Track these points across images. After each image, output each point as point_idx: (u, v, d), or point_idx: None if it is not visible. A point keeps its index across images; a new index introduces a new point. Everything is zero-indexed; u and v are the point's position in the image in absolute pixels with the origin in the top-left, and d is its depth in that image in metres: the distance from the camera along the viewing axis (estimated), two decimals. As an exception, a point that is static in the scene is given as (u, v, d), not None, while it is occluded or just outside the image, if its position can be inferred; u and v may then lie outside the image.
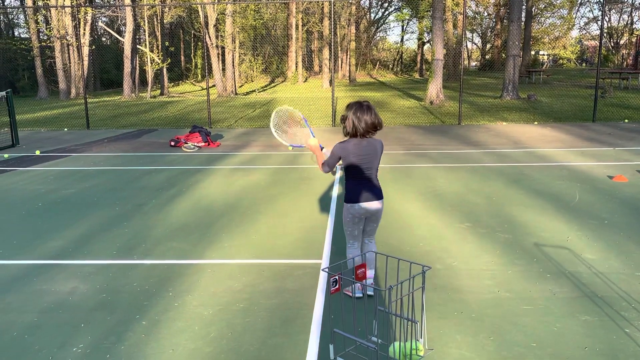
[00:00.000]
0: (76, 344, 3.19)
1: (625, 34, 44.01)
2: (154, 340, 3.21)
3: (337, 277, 1.88)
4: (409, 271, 1.80)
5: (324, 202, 6.19)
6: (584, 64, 47.15)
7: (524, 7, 23.75)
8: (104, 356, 3.05)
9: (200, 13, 25.40)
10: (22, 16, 35.21)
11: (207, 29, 23.68)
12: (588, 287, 3.82)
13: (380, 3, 48.35)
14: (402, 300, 1.66)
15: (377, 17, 52.24)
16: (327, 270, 1.82)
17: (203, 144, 10.66)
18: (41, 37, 27.44)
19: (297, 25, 35.36)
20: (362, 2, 41.94)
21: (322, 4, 30.66)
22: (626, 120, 13.28)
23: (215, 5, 24.52)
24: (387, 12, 51.55)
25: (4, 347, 3.16)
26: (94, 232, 5.33)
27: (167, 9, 28.12)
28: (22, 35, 35.04)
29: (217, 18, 25.48)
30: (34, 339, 3.25)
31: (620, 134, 11.11)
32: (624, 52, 42.78)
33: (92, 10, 27.49)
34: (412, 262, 1.85)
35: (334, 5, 14.08)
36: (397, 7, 47.55)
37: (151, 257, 4.59)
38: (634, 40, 40.37)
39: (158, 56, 26.59)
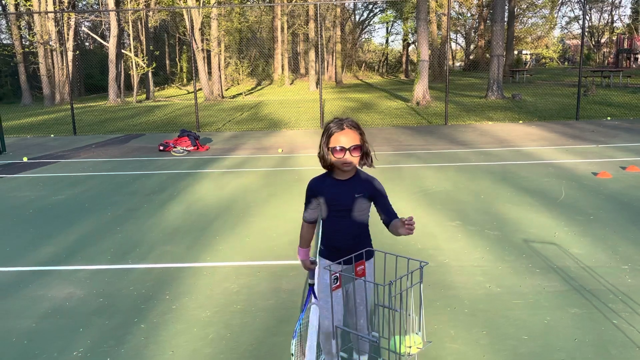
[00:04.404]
0: (76, 348, 3.21)
1: (605, 33, 44.73)
2: (153, 343, 3.25)
3: (337, 275, 1.95)
4: (407, 267, 1.87)
5: (315, 204, 6.24)
6: (566, 63, 47.79)
7: (506, 7, 24.05)
8: (104, 359, 3.08)
9: (186, 17, 25.35)
10: (3, 22, 34.84)
11: (193, 33, 23.66)
12: (576, 281, 3.93)
13: (365, 5, 48.65)
14: (401, 295, 1.73)
15: (362, 19, 52.51)
16: (329, 268, 1.88)
17: (192, 148, 10.67)
18: (24, 42, 27.18)
19: (282, 28, 35.40)
20: (346, 4, 42.14)
21: (307, 6, 30.75)
22: (609, 118, 13.53)
23: (200, 9, 24.49)
24: (371, 14, 51.87)
25: (3, 353, 3.18)
26: (87, 237, 5.34)
27: (151, 12, 28.02)
28: (4, 42, 34.65)
29: (202, 21, 25.44)
30: (34, 344, 3.27)
31: (603, 132, 11.33)
32: (605, 50, 43.46)
33: (75, 15, 27.29)
34: (409, 258, 1.92)
35: (319, 8, 14.18)
36: (381, 8, 47.87)
37: (146, 262, 4.62)
38: (614, 38, 41.02)
39: (143, 60, 26.49)
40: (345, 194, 2.46)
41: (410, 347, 1.81)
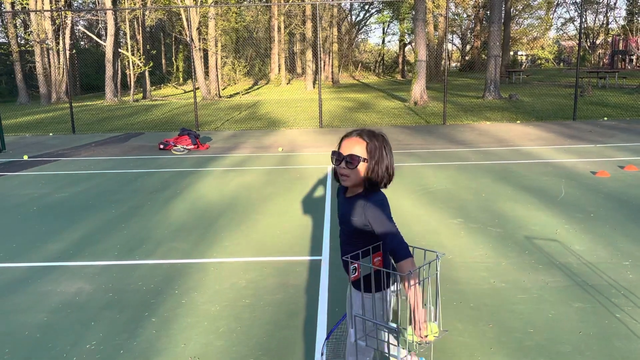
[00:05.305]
0: (89, 341, 3.25)
1: (601, 34, 44.98)
2: (165, 336, 3.29)
3: (356, 265, 2.00)
4: (424, 258, 1.93)
5: (318, 201, 6.30)
6: (561, 64, 48.05)
7: (503, 8, 24.19)
8: (117, 352, 3.13)
9: (183, 16, 25.34)
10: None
11: (191, 32, 23.66)
12: (579, 277, 4.00)
13: (361, 5, 48.75)
14: (418, 285, 1.78)
15: (358, 19, 52.61)
16: (348, 258, 1.94)
17: (192, 146, 10.70)
18: (20, 41, 27.10)
19: (279, 28, 35.45)
20: (342, 4, 42.20)
21: (304, 6, 30.80)
22: (605, 118, 13.65)
23: (198, 8, 24.49)
24: (368, 14, 51.97)
25: (17, 346, 3.22)
26: (92, 234, 5.37)
27: (148, 12, 27.99)
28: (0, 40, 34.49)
29: (199, 21, 25.44)
30: (47, 338, 3.31)
31: (601, 132, 11.43)
32: (600, 51, 43.72)
33: (72, 14, 27.23)
34: (426, 250, 1.98)
35: (318, 8, 14.24)
36: (378, 9, 47.98)
37: (153, 258, 4.66)
38: (609, 40, 41.29)
39: (140, 59, 26.45)
40: (347, 216, 2.13)
41: (427, 335, 1.87)
